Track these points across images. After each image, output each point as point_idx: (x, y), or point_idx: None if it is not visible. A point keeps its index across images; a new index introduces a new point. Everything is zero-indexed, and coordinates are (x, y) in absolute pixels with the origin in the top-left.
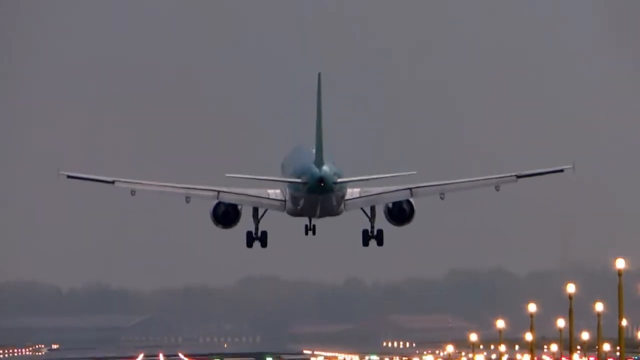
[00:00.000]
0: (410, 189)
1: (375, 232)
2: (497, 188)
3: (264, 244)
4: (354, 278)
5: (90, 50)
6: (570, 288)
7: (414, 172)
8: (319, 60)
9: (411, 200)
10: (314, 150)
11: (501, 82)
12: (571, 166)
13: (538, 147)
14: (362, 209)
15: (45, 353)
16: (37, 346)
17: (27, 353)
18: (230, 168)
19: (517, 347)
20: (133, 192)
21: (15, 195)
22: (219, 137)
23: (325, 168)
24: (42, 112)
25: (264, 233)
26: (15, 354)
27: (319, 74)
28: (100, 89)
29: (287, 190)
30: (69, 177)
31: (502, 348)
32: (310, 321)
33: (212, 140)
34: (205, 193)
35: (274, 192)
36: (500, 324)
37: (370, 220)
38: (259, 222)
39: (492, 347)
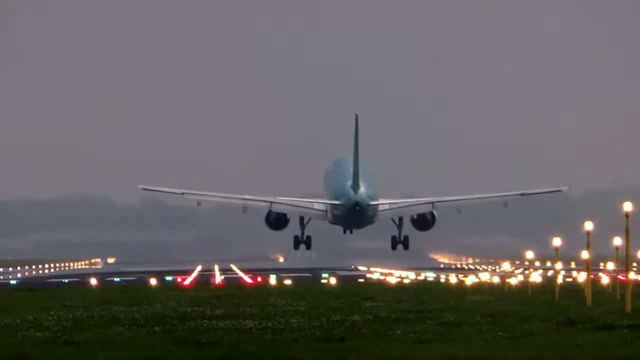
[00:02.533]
0: (432, 202)
1: (402, 238)
2: (505, 205)
3: (308, 246)
4: (409, 194)
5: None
6: (627, 206)
7: (432, 199)
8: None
9: (433, 211)
10: (350, 169)
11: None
12: (567, 187)
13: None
14: (392, 219)
15: (101, 267)
16: (92, 260)
17: (83, 267)
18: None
19: (573, 264)
20: (199, 203)
21: (72, 111)
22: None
23: (360, 192)
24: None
25: (309, 237)
26: (71, 268)
27: (356, 115)
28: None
29: (329, 206)
30: (144, 189)
31: (559, 265)
32: (365, 237)
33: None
34: (260, 203)
35: (318, 204)
36: (557, 241)
37: (398, 228)
38: (304, 228)
39: (549, 264)
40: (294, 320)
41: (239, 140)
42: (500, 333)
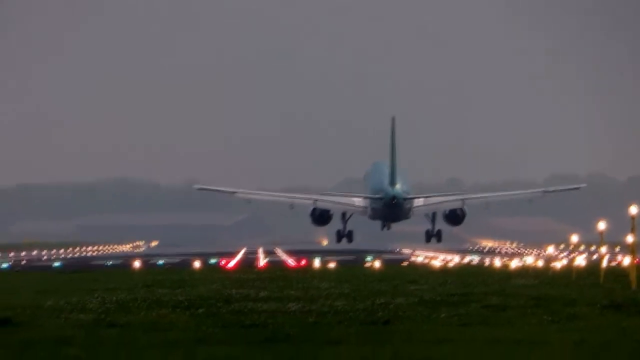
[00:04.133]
0: (462, 199)
1: (435, 232)
2: (530, 201)
3: (350, 239)
4: (454, 178)
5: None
6: None
7: (463, 196)
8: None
9: (463, 207)
10: (387, 171)
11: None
12: (585, 184)
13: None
14: (426, 214)
15: (144, 249)
16: (135, 243)
17: (127, 249)
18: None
19: (618, 248)
20: (249, 202)
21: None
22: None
23: (397, 188)
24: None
25: (350, 231)
26: (115, 251)
27: (393, 118)
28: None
29: (368, 201)
30: (199, 189)
31: (603, 249)
32: (408, 220)
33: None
34: (305, 201)
35: (358, 200)
36: (602, 225)
37: (431, 223)
38: (346, 223)
39: (593, 248)
40: (337, 303)
41: (283, 143)
42: (545, 316)
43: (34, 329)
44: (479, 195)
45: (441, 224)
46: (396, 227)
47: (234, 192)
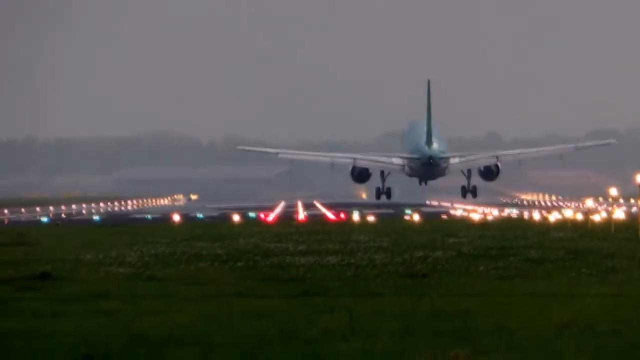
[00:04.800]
0: (496, 156)
1: (471, 188)
2: (561, 157)
3: (388, 196)
4: (493, 133)
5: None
6: None
7: (497, 153)
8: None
9: (498, 163)
10: (424, 130)
11: None
12: (615, 140)
13: None
14: (461, 171)
15: (184, 203)
16: (175, 196)
17: (166, 203)
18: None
19: None
20: (292, 161)
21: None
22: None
23: (434, 147)
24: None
25: (389, 188)
26: (154, 204)
27: (428, 81)
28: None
29: (406, 160)
30: (243, 150)
31: None
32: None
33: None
34: (345, 160)
35: (396, 160)
36: None
37: (467, 179)
38: (384, 180)
39: (632, 201)
40: (376, 257)
41: (323, 99)
42: (583, 270)
43: (73, 282)
44: (512, 152)
45: (476, 180)
46: (433, 182)
47: (277, 153)
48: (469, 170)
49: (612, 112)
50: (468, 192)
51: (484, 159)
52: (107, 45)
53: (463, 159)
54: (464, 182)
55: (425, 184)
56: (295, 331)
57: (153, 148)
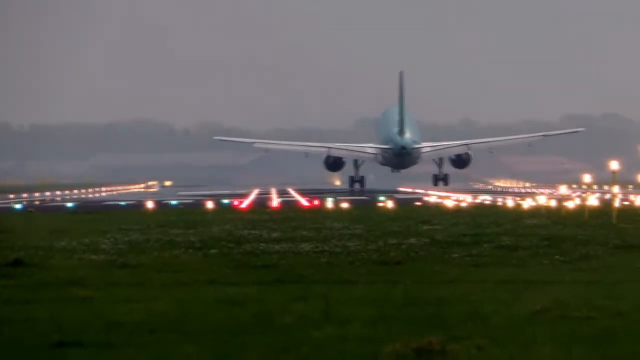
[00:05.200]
0: (467, 144)
1: (442, 175)
2: (530, 145)
3: (362, 184)
4: (467, 119)
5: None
6: None
7: (467, 142)
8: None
9: (469, 152)
10: (397, 118)
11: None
12: (583, 128)
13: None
14: (433, 159)
15: (158, 190)
16: (149, 183)
17: (140, 190)
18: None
19: (630, 187)
20: (267, 151)
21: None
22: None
23: (406, 137)
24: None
25: (362, 177)
26: (128, 191)
27: (401, 72)
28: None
29: (379, 150)
30: (220, 140)
31: (616, 189)
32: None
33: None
34: (320, 149)
35: (370, 149)
36: (614, 165)
37: (439, 167)
38: (358, 169)
39: (606, 187)
40: (350, 244)
41: (298, 84)
42: (557, 256)
43: (46, 269)
44: (482, 140)
45: (448, 168)
46: (405, 170)
47: (252, 142)
48: (441, 159)
49: (586, 97)
50: (440, 180)
51: (455, 147)
52: (82, 30)
53: (435, 148)
54: (436, 171)
55: (398, 172)
56: (269, 318)
57: (127, 134)
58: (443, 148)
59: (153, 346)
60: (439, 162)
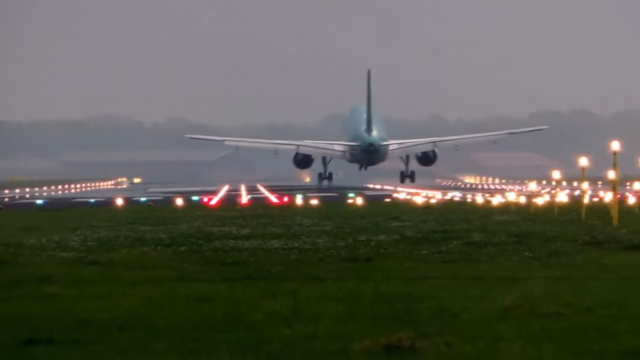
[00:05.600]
0: (434, 142)
1: (409, 173)
2: (495, 142)
3: (330, 181)
4: (436, 115)
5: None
6: None
7: (434, 139)
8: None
9: (435, 149)
10: (364, 116)
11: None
12: (547, 126)
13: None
14: (400, 157)
15: (127, 186)
16: (119, 179)
17: (109, 186)
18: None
19: (599, 184)
20: (237, 148)
21: (101, 37)
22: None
23: (374, 134)
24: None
25: (330, 174)
26: (98, 187)
27: (369, 71)
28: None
29: (347, 147)
30: (191, 138)
31: (585, 185)
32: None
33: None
34: (289, 147)
35: (338, 146)
36: (584, 161)
37: (405, 164)
38: (326, 166)
39: (575, 184)
40: (319, 240)
41: (267, 80)
42: (526, 253)
43: (15, 267)
44: (448, 138)
45: (415, 165)
46: (373, 167)
47: (223, 140)
48: (407, 156)
49: (554, 93)
50: (406, 177)
51: (421, 145)
52: (50, 27)
53: (401, 146)
54: (403, 168)
55: (365, 169)
56: (239, 315)
57: (97, 131)
58: (410, 146)
59: (123, 343)
60: (406, 160)
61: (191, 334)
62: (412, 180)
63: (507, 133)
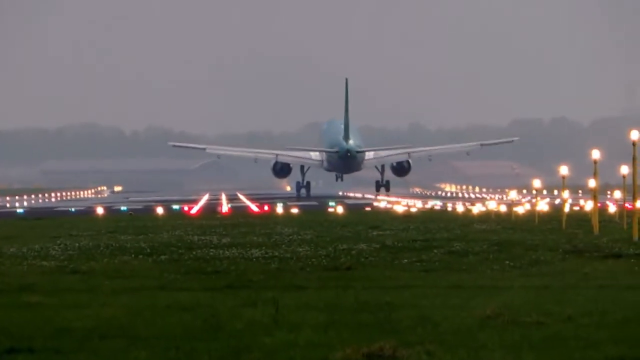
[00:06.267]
0: (408, 152)
1: (384, 182)
2: (467, 153)
3: (308, 190)
4: (416, 123)
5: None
6: (634, 135)
7: (408, 150)
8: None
9: (409, 160)
10: (342, 127)
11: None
12: (518, 138)
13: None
14: (375, 166)
15: (107, 195)
16: (99, 188)
17: (90, 195)
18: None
19: (580, 192)
20: (219, 156)
21: (77, 42)
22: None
23: (350, 142)
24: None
25: (308, 182)
26: (78, 196)
27: (346, 80)
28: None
29: (325, 155)
30: (174, 146)
31: (566, 194)
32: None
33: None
34: (268, 155)
35: (315, 155)
36: (564, 170)
37: (381, 174)
38: (304, 175)
39: (556, 192)
40: (300, 249)
41: (247, 87)
42: (507, 262)
43: None
44: (422, 149)
45: (389, 175)
46: (349, 176)
47: (204, 148)
48: (383, 166)
49: (535, 101)
50: (381, 187)
51: (395, 155)
52: (29, 36)
53: (377, 155)
54: (378, 177)
55: (342, 179)
56: (220, 324)
57: (77, 140)
58: (385, 156)
59: (103, 352)
60: (381, 169)
61: (172, 343)
62: (387, 190)
63: (479, 144)
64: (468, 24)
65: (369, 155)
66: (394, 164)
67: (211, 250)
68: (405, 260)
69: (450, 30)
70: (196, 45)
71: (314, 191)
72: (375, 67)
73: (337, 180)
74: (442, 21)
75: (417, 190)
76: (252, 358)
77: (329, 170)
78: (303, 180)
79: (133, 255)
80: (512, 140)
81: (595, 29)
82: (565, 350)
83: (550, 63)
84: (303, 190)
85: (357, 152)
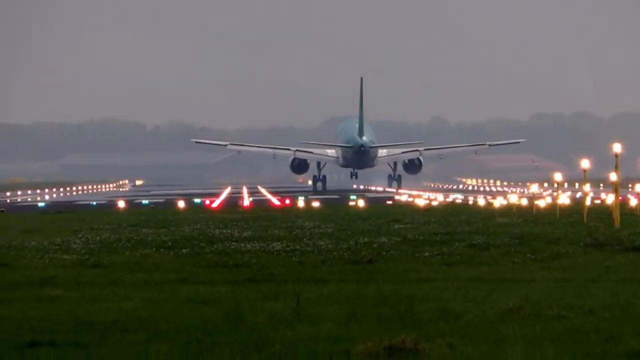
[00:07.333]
0: (419, 151)
1: (396, 177)
2: (476, 152)
3: (324, 184)
4: (437, 118)
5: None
6: None
7: (419, 148)
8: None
9: (420, 158)
10: (357, 125)
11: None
12: (525, 139)
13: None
14: (388, 163)
15: (129, 189)
16: (121, 182)
17: (111, 189)
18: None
19: (601, 186)
20: (239, 152)
21: (99, 37)
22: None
23: (364, 138)
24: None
25: (324, 177)
26: (99, 190)
27: (361, 78)
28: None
29: (340, 151)
30: (196, 142)
31: (587, 187)
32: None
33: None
34: (286, 152)
35: (331, 151)
36: (585, 163)
37: (393, 170)
38: (320, 170)
39: (577, 186)
40: (321, 243)
41: (268, 82)
42: (528, 255)
43: (18, 269)
44: (432, 147)
45: (402, 173)
46: (363, 172)
47: (225, 145)
48: (395, 163)
49: (557, 95)
50: (394, 181)
51: (407, 153)
52: (53, 31)
53: (390, 152)
54: (391, 172)
55: (356, 176)
56: (241, 317)
57: (98, 134)
58: (397, 153)
59: (124, 345)
60: (394, 166)
61: (193, 336)
62: (399, 186)
63: (487, 145)
64: (489, 18)
65: (382, 152)
66: (406, 161)
67: (232, 243)
68: (427, 254)
69: (468, 26)
70: (217, 40)
71: (330, 185)
72: (398, 61)
73: (351, 177)
74: (464, 13)
75: (430, 185)
76: (273, 351)
77: (344, 166)
78: (319, 174)
79: (154, 249)
80: (519, 142)
81: (619, 22)
82: (587, 344)
83: (572, 57)
84: (319, 184)
85: (371, 147)
